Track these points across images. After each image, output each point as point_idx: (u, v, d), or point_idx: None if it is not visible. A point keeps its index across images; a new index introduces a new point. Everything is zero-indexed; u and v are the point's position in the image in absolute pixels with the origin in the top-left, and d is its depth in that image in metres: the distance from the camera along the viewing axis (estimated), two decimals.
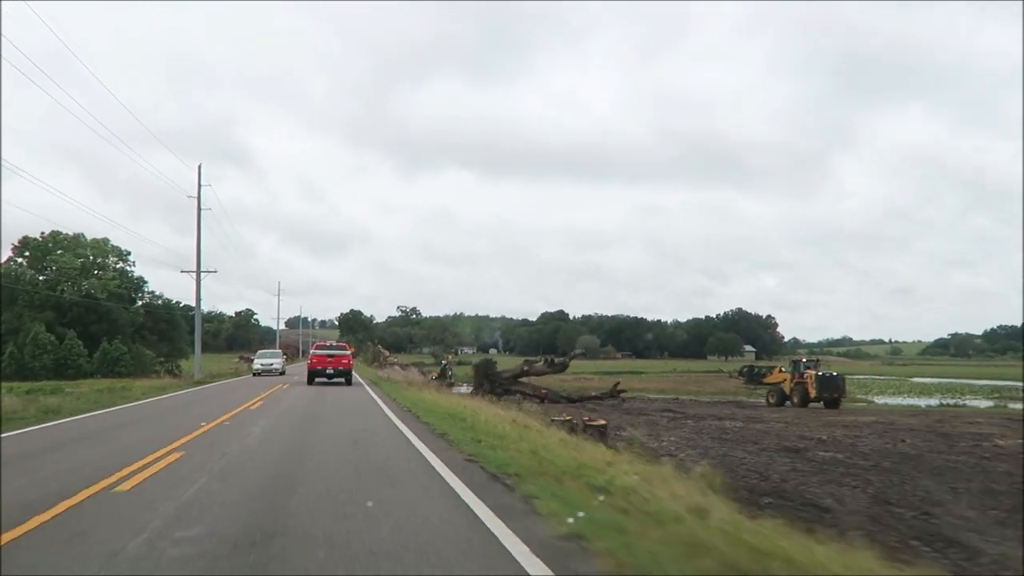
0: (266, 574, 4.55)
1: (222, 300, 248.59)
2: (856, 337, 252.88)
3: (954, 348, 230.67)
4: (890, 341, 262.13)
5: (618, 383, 30.42)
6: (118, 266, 63.90)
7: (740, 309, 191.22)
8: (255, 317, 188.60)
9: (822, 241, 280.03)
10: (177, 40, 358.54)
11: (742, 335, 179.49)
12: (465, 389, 47.21)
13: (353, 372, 37.54)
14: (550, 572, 4.56)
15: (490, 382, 28.98)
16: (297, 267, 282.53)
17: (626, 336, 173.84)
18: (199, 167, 40.54)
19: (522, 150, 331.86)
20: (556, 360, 30.06)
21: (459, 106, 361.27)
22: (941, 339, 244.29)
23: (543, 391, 29.63)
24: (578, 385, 59.44)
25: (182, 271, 39.52)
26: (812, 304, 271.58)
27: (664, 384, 61.39)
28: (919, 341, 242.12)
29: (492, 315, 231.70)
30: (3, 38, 64.67)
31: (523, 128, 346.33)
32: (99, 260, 62.51)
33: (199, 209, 38.63)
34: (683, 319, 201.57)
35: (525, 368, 29.39)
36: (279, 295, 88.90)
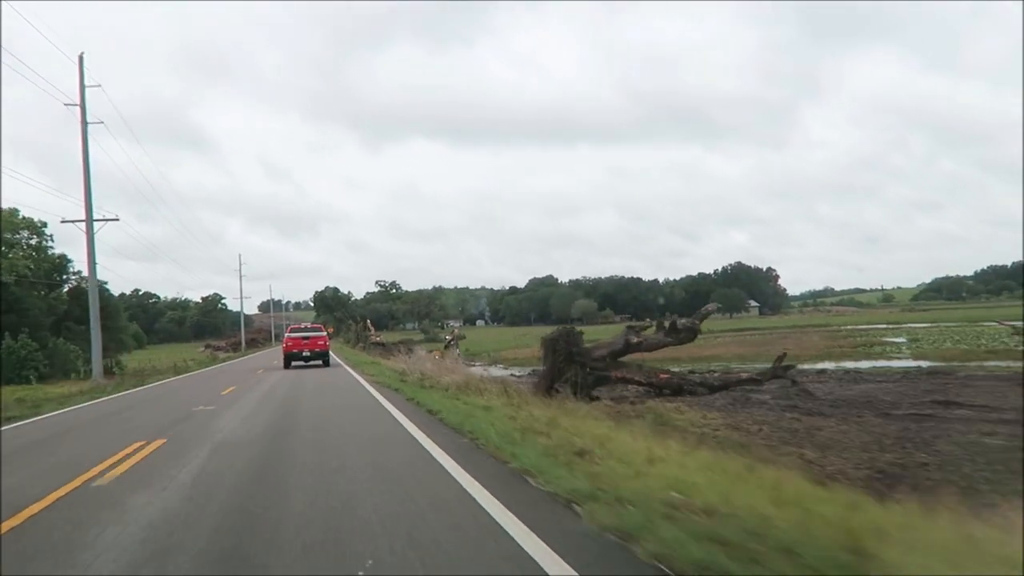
0: None
1: (188, 288, 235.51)
2: (837, 288, 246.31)
3: (946, 292, 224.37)
4: (880, 288, 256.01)
5: (784, 354, 18.92)
6: (32, 242, 51.17)
7: (739, 263, 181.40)
8: (223, 302, 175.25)
9: (792, 194, 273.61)
10: (114, 19, 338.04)
11: (743, 290, 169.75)
12: (498, 371, 35.84)
13: (331, 354, 36.04)
14: None
15: (573, 365, 17.40)
16: (266, 250, 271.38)
17: (622, 299, 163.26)
18: (80, 57, 27.88)
19: (487, 117, 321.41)
20: (681, 323, 18.39)
21: (420, 74, 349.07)
22: (932, 282, 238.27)
23: (664, 377, 18.04)
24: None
25: (63, 221, 27.37)
26: (786, 258, 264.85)
27: (719, 350, 50.38)
28: (899, 287, 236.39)
29: (472, 286, 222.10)
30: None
31: (487, 93, 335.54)
32: (7, 236, 49.67)
33: (83, 120, 26.38)
34: (662, 280, 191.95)
35: (633, 339, 17.75)
36: (240, 269, 76.39)
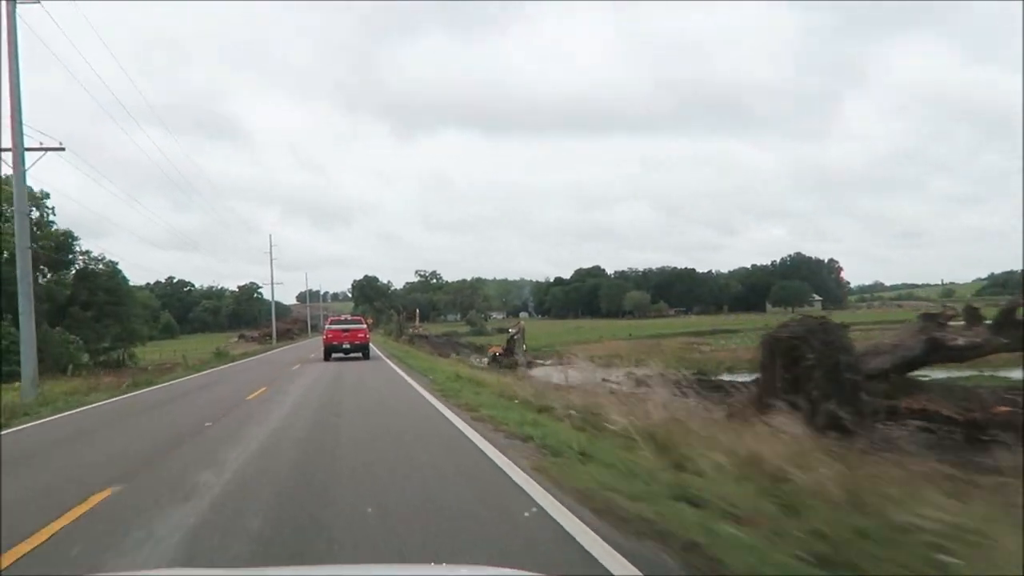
0: None
1: (224, 277, 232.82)
2: (887, 282, 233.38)
3: (1011, 286, 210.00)
4: (941, 283, 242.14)
5: None
6: (32, 215, 44.15)
7: (799, 253, 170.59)
8: (259, 291, 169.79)
9: (831, 187, 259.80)
10: (147, 12, 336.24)
11: (803, 282, 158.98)
12: (587, 371, 27.71)
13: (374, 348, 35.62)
14: None
15: (826, 379, 9.07)
16: (301, 241, 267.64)
17: (675, 291, 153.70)
18: None
19: (519, 107, 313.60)
20: None
21: (450, 63, 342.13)
22: (991, 277, 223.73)
23: (1003, 411, 9.55)
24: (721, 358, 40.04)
25: None
26: (824, 252, 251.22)
27: None
28: (952, 282, 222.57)
29: (508, 278, 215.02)
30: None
31: (518, 82, 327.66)
32: (2, 208, 42.77)
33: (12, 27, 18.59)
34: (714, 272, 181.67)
35: (950, 339, 9.33)
36: (271, 252, 69.26)
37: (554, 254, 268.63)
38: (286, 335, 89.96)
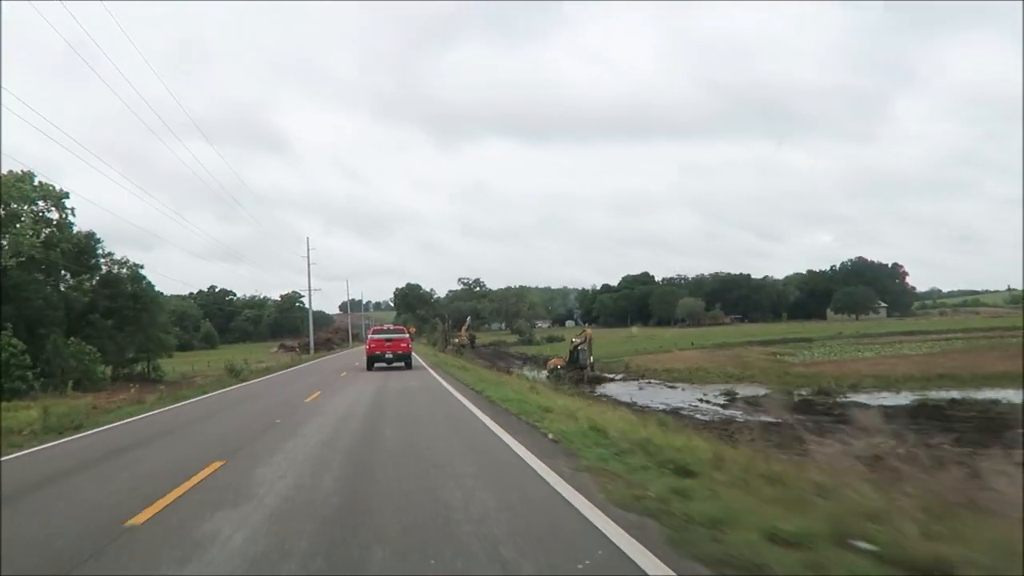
0: None
1: (270, 287, 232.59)
2: (944, 288, 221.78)
3: None
4: (1008, 289, 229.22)
5: None
6: (46, 215, 40.63)
7: (860, 258, 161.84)
8: (301, 299, 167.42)
9: (879, 191, 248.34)
10: (191, 25, 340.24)
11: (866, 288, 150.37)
12: (670, 394, 22.56)
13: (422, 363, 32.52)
14: None
15: None
16: (343, 250, 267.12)
17: (730, 297, 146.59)
18: None
19: (559, 113, 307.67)
20: None
21: (490, 70, 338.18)
22: None
23: None
24: (797, 373, 34.24)
25: None
26: (876, 258, 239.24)
27: (910, 365, 35.36)
28: (1013, 288, 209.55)
29: (551, 286, 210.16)
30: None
31: (558, 89, 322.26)
32: (15, 207, 39.19)
33: None
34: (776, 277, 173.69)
35: None
36: (308, 257, 65.20)
37: (596, 261, 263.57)
38: (325, 345, 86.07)
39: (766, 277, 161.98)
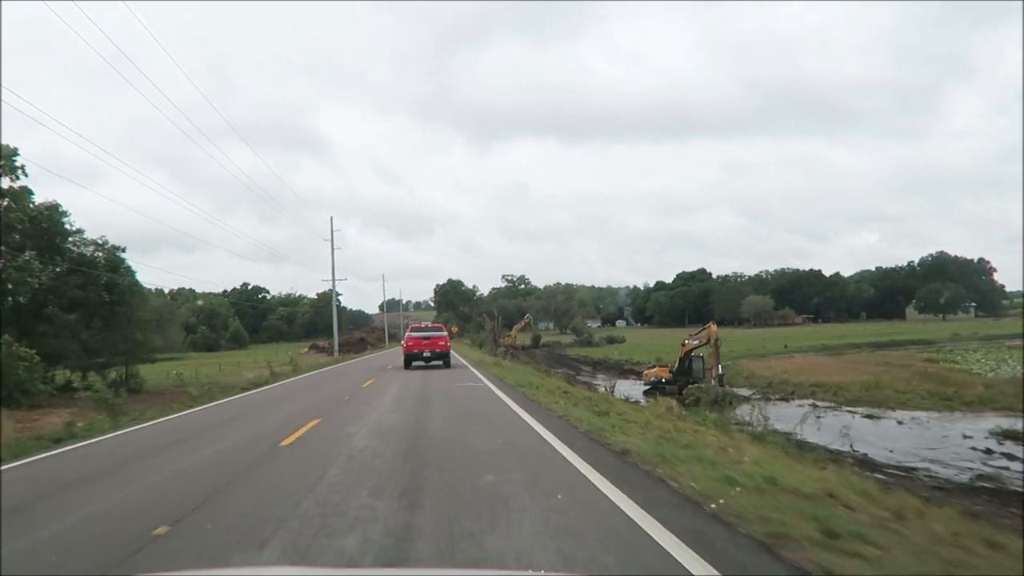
0: None
1: (307, 286, 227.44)
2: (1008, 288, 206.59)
3: None
4: None
5: None
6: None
7: (943, 252, 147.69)
8: (338, 297, 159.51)
9: (931, 188, 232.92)
10: (227, 34, 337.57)
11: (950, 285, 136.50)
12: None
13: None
14: None
15: None
16: (383, 252, 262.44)
17: (799, 295, 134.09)
18: None
19: (596, 113, 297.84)
20: None
21: (525, 70, 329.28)
22: None
23: None
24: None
25: None
26: (914, 258, 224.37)
27: None
28: None
29: (594, 286, 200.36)
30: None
31: (594, 88, 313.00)
32: None
33: None
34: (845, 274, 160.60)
35: None
36: (332, 239, 55.96)
37: (635, 262, 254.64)
38: (359, 345, 76.93)
39: (836, 273, 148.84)
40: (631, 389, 31.20)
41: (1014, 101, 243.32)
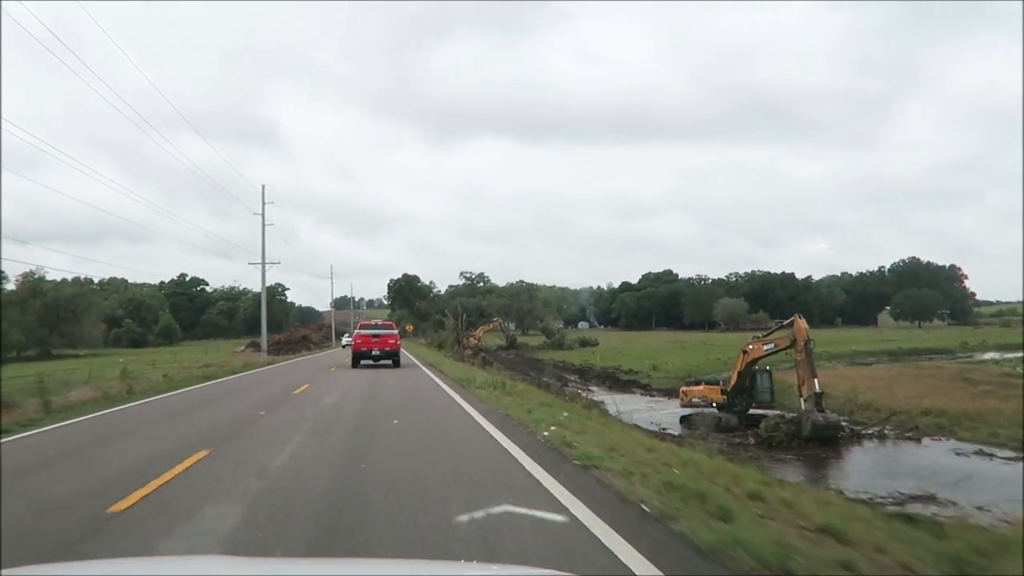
0: None
1: (257, 281, 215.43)
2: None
3: None
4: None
5: None
6: None
7: (914, 258, 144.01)
8: (284, 292, 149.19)
9: (880, 198, 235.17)
10: (181, 18, 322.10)
11: (922, 292, 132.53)
12: None
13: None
14: None
15: None
16: (335, 248, 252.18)
17: (774, 299, 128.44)
18: None
19: (556, 114, 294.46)
20: None
21: (485, 67, 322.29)
22: None
23: None
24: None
25: None
26: (864, 268, 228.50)
27: None
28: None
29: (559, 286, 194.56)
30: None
31: (555, 88, 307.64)
32: None
33: None
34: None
35: None
36: (263, 212, 46.78)
37: (592, 265, 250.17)
38: (301, 344, 67.71)
39: (809, 277, 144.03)
40: (647, 411, 23.26)
41: (962, 115, 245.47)
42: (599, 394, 29.85)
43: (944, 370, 30.35)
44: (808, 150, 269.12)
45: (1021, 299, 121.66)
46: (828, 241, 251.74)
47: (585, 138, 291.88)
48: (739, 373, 18.28)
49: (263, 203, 44.37)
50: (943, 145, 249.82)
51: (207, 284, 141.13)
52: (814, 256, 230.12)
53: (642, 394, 29.16)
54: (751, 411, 18.51)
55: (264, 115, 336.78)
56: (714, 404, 18.88)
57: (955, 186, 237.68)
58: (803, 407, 15.49)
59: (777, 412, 17.91)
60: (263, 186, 44.79)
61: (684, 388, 19.89)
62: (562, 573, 2.37)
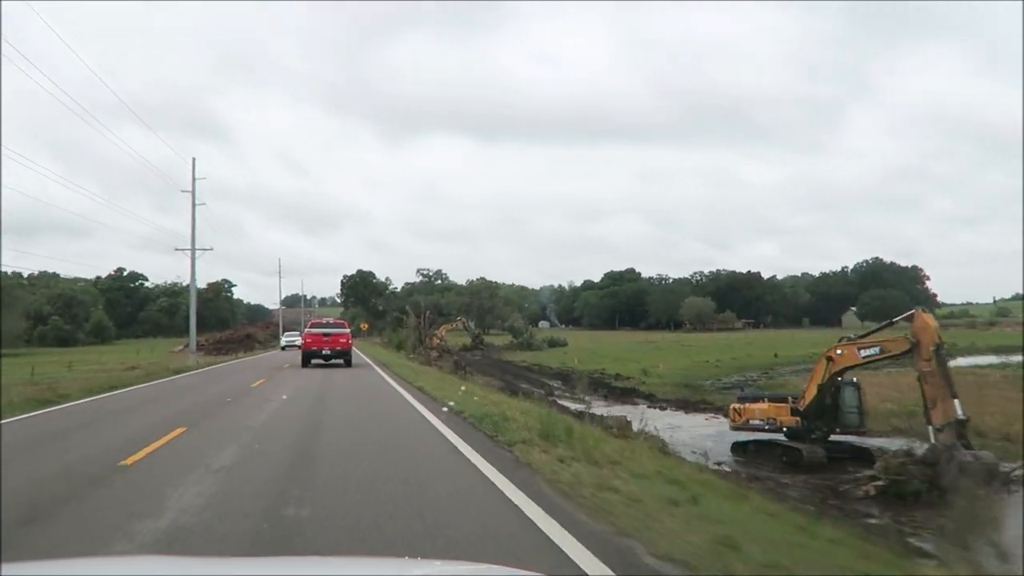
0: None
1: (206, 277, 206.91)
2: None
3: None
4: (993, 301, 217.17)
5: None
6: None
7: (878, 259, 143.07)
8: (231, 288, 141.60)
9: (830, 203, 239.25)
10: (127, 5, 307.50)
11: (885, 292, 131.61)
12: None
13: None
14: None
15: None
16: (287, 245, 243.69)
17: (740, 299, 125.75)
18: None
19: (512, 114, 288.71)
20: None
21: (441, 66, 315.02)
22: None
23: None
24: None
25: None
26: (813, 271, 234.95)
27: None
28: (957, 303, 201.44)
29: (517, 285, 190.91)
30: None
31: (511, 88, 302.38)
32: None
33: None
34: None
35: None
36: (193, 189, 40.29)
37: (547, 265, 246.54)
38: (244, 343, 61.49)
39: (774, 277, 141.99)
40: (670, 429, 18.48)
41: (908, 122, 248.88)
42: (598, 405, 25.15)
43: (1007, 379, 26.20)
44: (761, 153, 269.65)
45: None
46: (779, 244, 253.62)
47: (542, 139, 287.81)
48: (819, 386, 13.64)
49: (193, 179, 38.18)
50: (890, 151, 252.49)
51: (147, 279, 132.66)
52: (764, 259, 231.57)
53: (649, 405, 24.44)
54: (830, 436, 13.93)
55: (214, 108, 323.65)
56: (783, 429, 14.21)
57: (901, 191, 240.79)
58: (936, 439, 10.94)
59: (876, 443, 13.32)
60: (193, 159, 38.49)
61: (738, 405, 15.13)
62: (526, 572, 2.31)
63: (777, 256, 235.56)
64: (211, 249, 41.95)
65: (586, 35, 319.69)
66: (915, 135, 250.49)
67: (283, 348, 56.47)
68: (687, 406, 24.45)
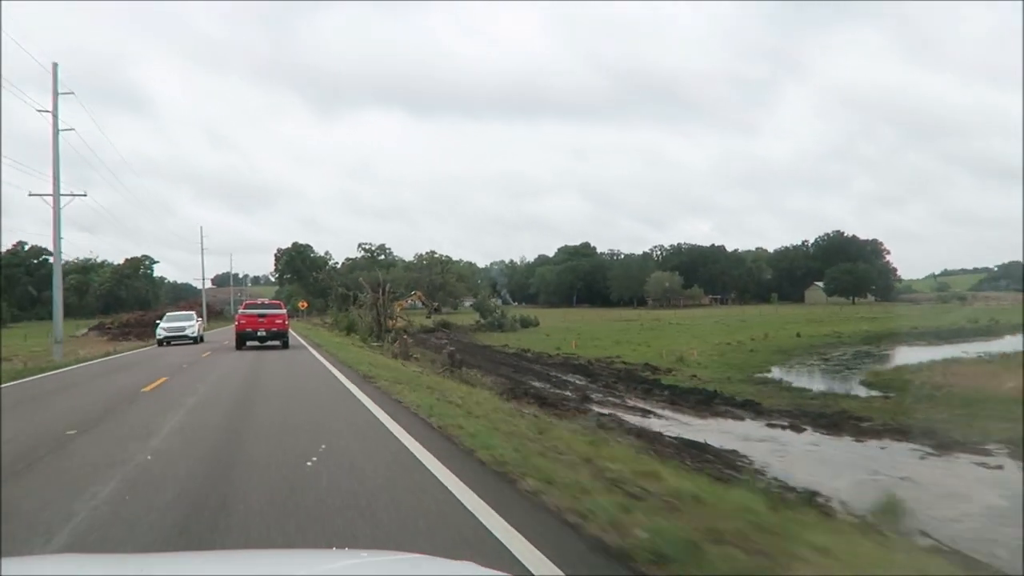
0: None
1: (118, 254, 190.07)
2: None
3: (1007, 279, 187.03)
4: (933, 275, 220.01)
5: None
6: None
7: (839, 232, 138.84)
8: (152, 266, 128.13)
9: (759, 182, 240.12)
10: None
11: (847, 267, 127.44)
12: None
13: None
14: None
15: None
16: (217, 224, 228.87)
17: (706, 274, 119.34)
18: None
19: (445, 89, 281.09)
20: None
21: (372, 36, 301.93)
22: (999, 268, 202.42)
23: None
24: None
25: None
26: (747, 247, 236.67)
27: None
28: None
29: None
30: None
31: (446, 60, 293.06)
32: None
33: None
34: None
35: None
36: (56, 140, 29.21)
37: (483, 243, 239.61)
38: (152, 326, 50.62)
39: (736, 250, 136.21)
40: (901, 484, 9.87)
41: (833, 105, 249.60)
42: (676, 420, 16.54)
43: None
44: (693, 132, 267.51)
45: None
46: (711, 222, 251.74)
47: (479, 115, 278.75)
48: None
49: (55, 93, 26.83)
50: (817, 131, 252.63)
51: (50, 253, 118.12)
52: (695, 238, 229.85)
53: (766, 423, 15.86)
54: None
55: (133, 78, 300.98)
56: None
57: (828, 171, 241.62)
58: None
59: None
60: (55, 64, 26.57)
61: None
62: (458, 562, 2.43)
63: (708, 235, 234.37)
64: (84, 195, 31.19)
65: (521, 10, 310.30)
66: (839, 116, 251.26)
67: (161, 342, 35.70)
68: (818, 421, 15.98)
